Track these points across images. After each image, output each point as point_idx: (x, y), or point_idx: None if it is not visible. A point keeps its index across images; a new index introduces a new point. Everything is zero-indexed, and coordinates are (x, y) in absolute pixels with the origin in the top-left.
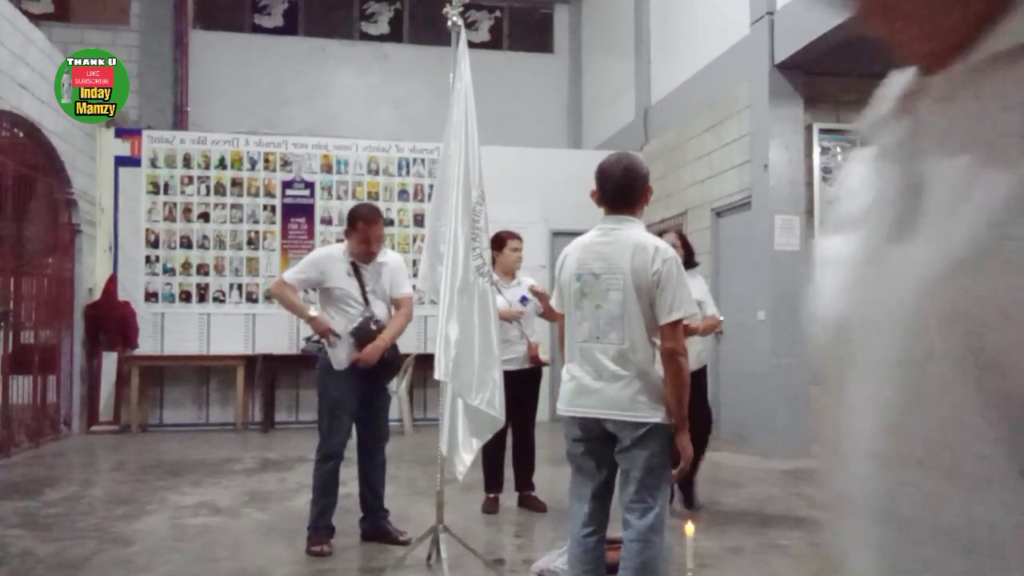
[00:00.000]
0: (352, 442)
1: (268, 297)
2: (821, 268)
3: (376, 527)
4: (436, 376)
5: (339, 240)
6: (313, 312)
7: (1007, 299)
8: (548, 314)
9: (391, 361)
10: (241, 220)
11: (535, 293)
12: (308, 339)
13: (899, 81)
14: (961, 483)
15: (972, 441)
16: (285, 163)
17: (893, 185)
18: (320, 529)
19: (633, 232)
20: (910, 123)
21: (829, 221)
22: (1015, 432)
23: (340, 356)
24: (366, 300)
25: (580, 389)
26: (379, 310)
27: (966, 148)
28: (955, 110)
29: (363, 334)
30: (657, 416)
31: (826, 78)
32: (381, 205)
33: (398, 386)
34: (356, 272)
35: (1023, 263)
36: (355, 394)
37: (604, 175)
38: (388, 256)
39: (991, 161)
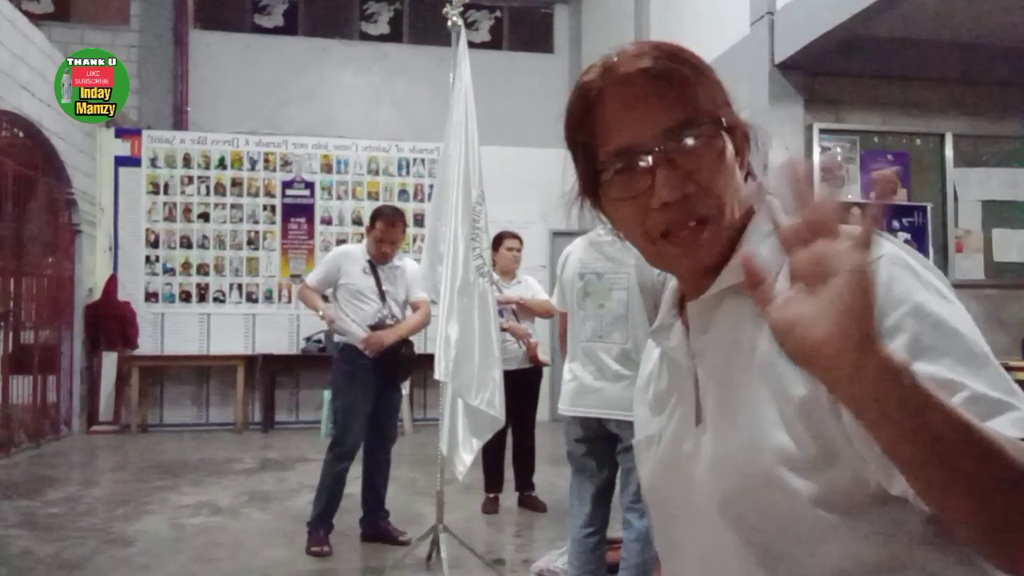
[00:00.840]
0: None
1: (276, 294)
2: (642, 440)
3: (376, 527)
4: (436, 376)
5: (340, 240)
6: (322, 307)
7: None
8: (537, 315)
9: (407, 358)
10: (241, 220)
11: (519, 306)
12: (308, 339)
13: (670, 296)
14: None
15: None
16: (285, 163)
17: (682, 379)
18: (320, 528)
19: None
20: (682, 333)
21: (642, 400)
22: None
23: (355, 331)
24: (383, 297)
25: (582, 389)
26: (395, 310)
27: (717, 353)
28: (705, 326)
29: (380, 330)
30: None
31: (826, 78)
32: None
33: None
34: (373, 271)
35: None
36: (370, 393)
37: None
38: (405, 262)
39: (734, 365)
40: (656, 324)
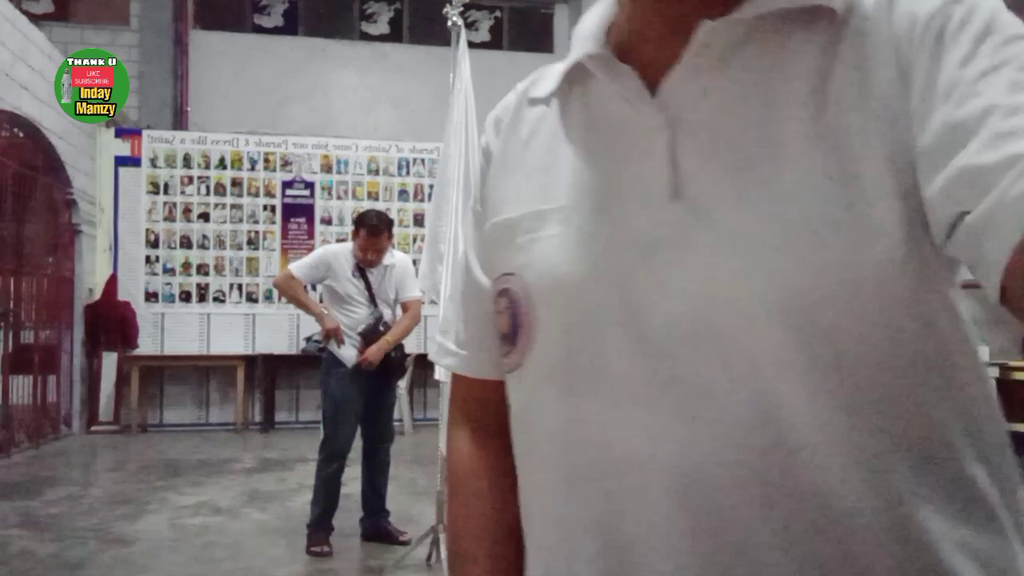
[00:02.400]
0: (355, 443)
1: (276, 294)
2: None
3: (376, 527)
4: (436, 376)
5: (340, 239)
6: (324, 310)
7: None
8: None
9: (398, 361)
10: (241, 220)
11: None
12: (308, 339)
13: (593, 26)
14: None
15: None
16: (285, 163)
17: (628, 139)
18: (320, 529)
19: None
20: (636, 80)
21: (509, 169)
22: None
23: (349, 353)
24: (373, 301)
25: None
26: (386, 312)
27: (733, 108)
28: (705, 69)
29: (373, 335)
30: None
31: None
32: (381, 205)
33: (401, 386)
34: (362, 273)
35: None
36: (360, 394)
37: None
38: (396, 258)
39: (768, 120)
40: (569, 62)
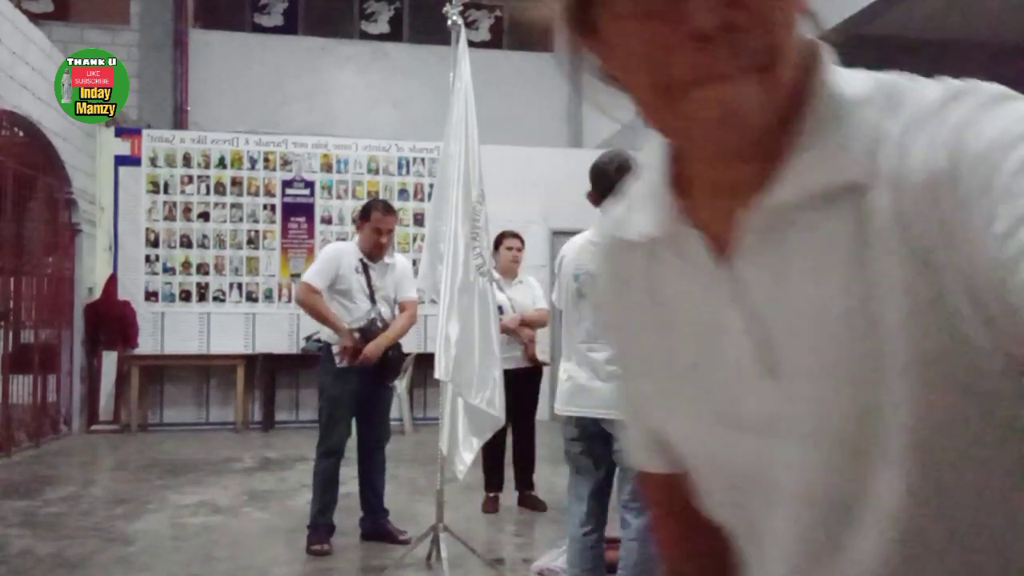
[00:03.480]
0: (352, 441)
1: (276, 294)
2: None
3: (376, 526)
4: (436, 376)
5: (340, 239)
6: (339, 324)
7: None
8: (537, 326)
9: (395, 360)
10: (241, 219)
11: (520, 327)
12: (308, 338)
13: (654, 188)
14: None
15: None
16: (285, 162)
17: (706, 311)
18: (320, 528)
19: None
20: (703, 248)
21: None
22: None
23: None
24: (373, 299)
25: (577, 389)
26: (384, 310)
27: (796, 282)
28: (767, 242)
29: (370, 333)
30: None
31: None
32: None
33: (401, 386)
34: (365, 270)
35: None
36: (355, 393)
37: (598, 173)
38: (396, 259)
39: (822, 301)
40: (631, 230)
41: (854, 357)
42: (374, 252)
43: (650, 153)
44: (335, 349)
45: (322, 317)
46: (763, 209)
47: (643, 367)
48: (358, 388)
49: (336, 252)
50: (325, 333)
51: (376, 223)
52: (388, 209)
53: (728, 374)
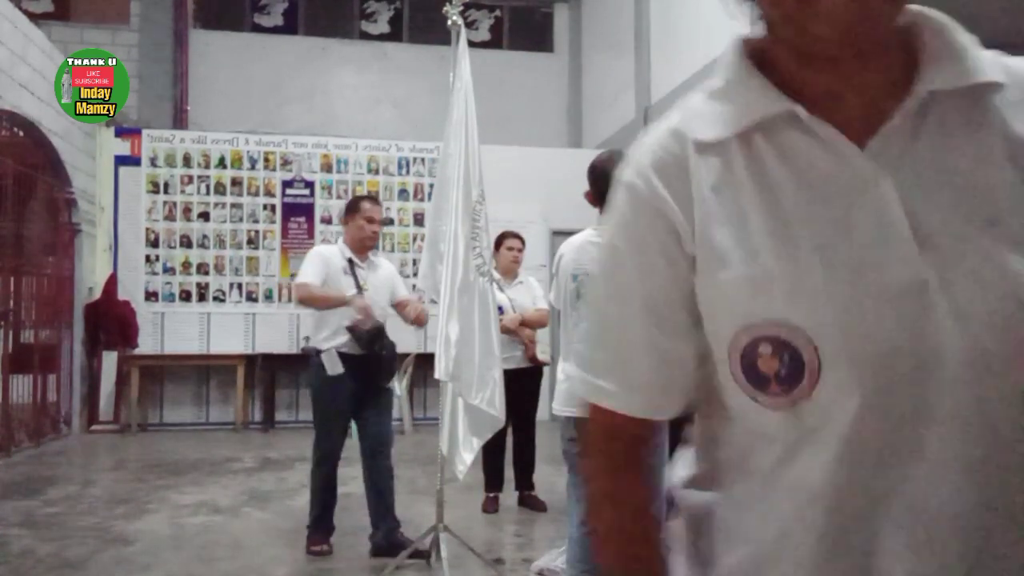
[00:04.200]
0: (354, 444)
1: (276, 293)
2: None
3: (390, 541)
4: (436, 376)
5: (324, 241)
6: (349, 292)
7: None
8: (537, 327)
9: (388, 360)
10: (241, 219)
11: (520, 327)
12: (308, 338)
13: (758, 87)
14: None
15: None
16: (285, 162)
17: (846, 190)
18: (320, 529)
19: None
20: (837, 135)
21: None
22: None
23: (332, 361)
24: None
25: (576, 390)
26: (376, 309)
27: (935, 160)
28: (908, 132)
29: (360, 331)
30: None
31: None
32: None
33: (400, 386)
34: (352, 270)
35: None
36: (350, 398)
37: (597, 173)
38: (381, 260)
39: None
40: (756, 113)
41: (1012, 231)
42: (366, 244)
43: (732, 67)
44: (324, 347)
45: (327, 300)
46: (916, 95)
47: (751, 256)
48: (353, 392)
49: (320, 251)
50: (318, 339)
51: (368, 212)
52: (376, 200)
53: (871, 247)
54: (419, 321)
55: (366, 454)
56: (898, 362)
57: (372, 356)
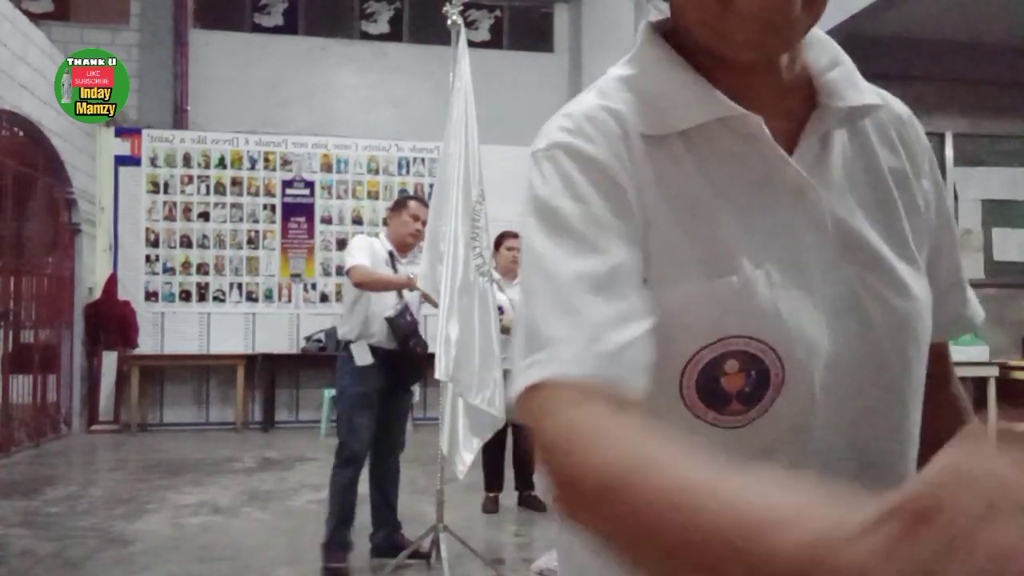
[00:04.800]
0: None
1: (276, 293)
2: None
3: (391, 542)
4: (437, 376)
5: (340, 239)
6: (404, 275)
7: None
8: None
9: (419, 358)
10: (241, 219)
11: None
12: (308, 338)
13: (688, 85)
14: None
15: None
16: (285, 162)
17: (788, 199)
18: (338, 544)
19: None
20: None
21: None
22: None
23: (363, 351)
24: (400, 291)
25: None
26: (412, 302)
27: (840, 178)
28: (817, 147)
29: (400, 323)
30: None
31: None
32: (381, 204)
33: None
34: (392, 264)
35: None
36: (378, 393)
37: None
38: (416, 257)
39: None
40: (706, 112)
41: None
42: (408, 242)
43: (645, 56)
44: (354, 338)
45: (388, 280)
46: (823, 108)
47: (715, 267)
48: (379, 389)
49: (365, 239)
50: (344, 330)
51: (415, 211)
52: (423, 201)
53: (814, 259)
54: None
55: (377, 455)
56: (842, 371)
57: (404, 352)
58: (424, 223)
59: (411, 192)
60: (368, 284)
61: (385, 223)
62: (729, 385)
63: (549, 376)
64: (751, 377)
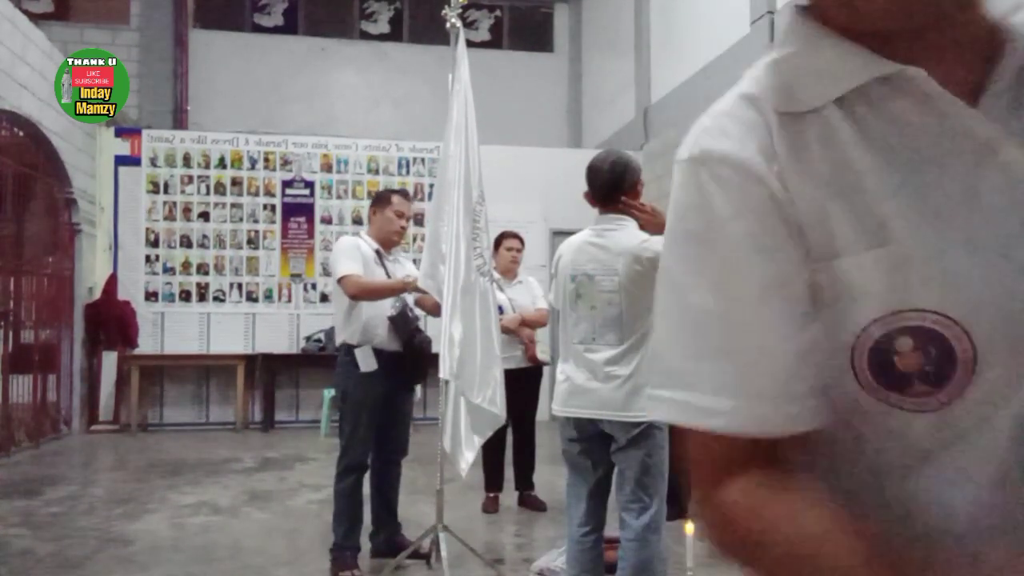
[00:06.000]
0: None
1: (276, 293)
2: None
3: (391, 543)
4: (441, 375)
5: (340, 236)
6: (401, 276)
7: None
8: (537, 326)
9: (426, 355)
10: (241, 219)
11: (520, 327)
12: (308, 338)
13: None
14: None
15: None
16: (285, 162)
17: (960, 151)
18: (347, 551)
19: (627, 232)
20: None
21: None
22: None
23: (368, 357)
24: None
25: (575, 389)
26: (409, 299)
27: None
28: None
29: (402, 321)
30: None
31: None
32: None
33: (423, 391)
34: (381, 261)
35: None
36: (381, 397)
37: (593, 173)
38: (401, 257)
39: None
40: (859, 75)
41: None
42: (393, 239)
43: (793, 34)
44: (357, 343)
45: (385, 288)
46: (1012, 52)
47: (877, 235)
48: (384, 392)
49: (351, 242)
50: (349, 334)
51: (398, 207)
52: (406, 195)
53: (1005, 220)
54: (436, 310)
55: (380, 461)
56: None
57: (409, 351)
58: (408, 218)
59: (412, 192)
60: (364, 295)
61: (365, 220)
62: (905, 365)
63: (708, 428)
64: (930, 355)
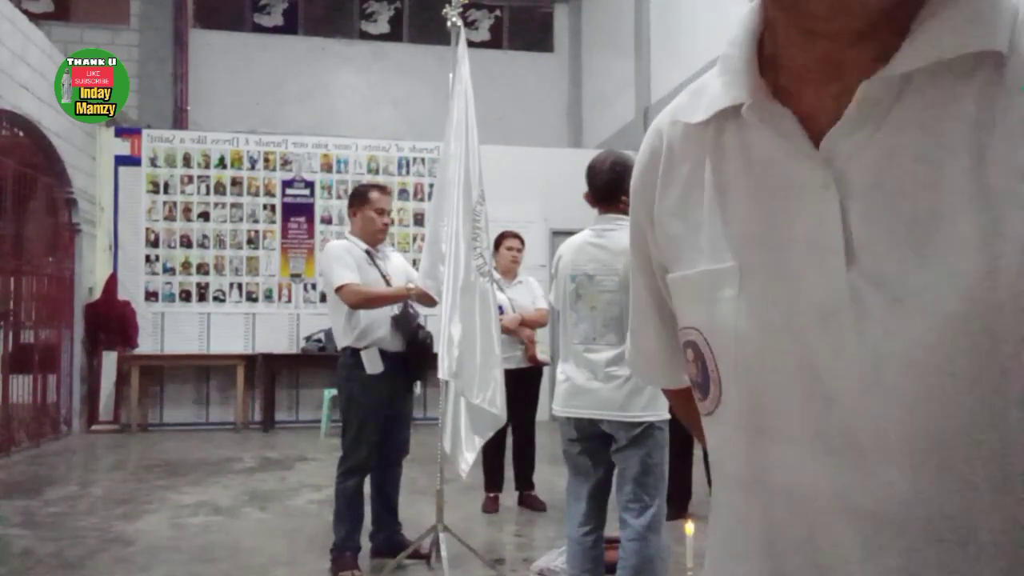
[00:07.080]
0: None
1: (276, 293)
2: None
3: (391, 542)
4: (440, 375)
5: (324, 241)
6: (392, 271)
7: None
8: (537, 326)
9: (429, 350)
10: (241, 219)
11: (520, 327)
12: (308, 338)
13: (742, 62)
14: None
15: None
16: (285, 162)
17: (795, 193)
18: (347, 551)
19: (627, 232)
20: (797, 127)
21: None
22: None
23: (374, 359)
24: (389, 285)
25: (575, 390)
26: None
27: (895, 163)
28: (873, 120)
29: (404, 319)
30: (652, 415)
31: None
32: None
33: (423, 389)
34: (372, 261)
35: None
36: (385, 400)
37: (593, 173)
38: (389, 251)
39: (923, 183)
40: (722, 101)
41: (965, 257)
42: (377, 237)
43: (735, 39)
44: (361, 345)
45: (382, 298)
46: (881, 80)
47: (692, 259)
48: (387, 394)
49: (340, 246)
50: (352, 337)
51: (377, 203)
52: (385, 189)
53: (802, 260)
54: (429, 300)
55: (381, 460)
56: (788, 391)
57: (413, 349)
58: (389, 212)
59: (411, 192)
60: (366, 305)
61: (351, 215)
62: (688, 371)
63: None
64: (699, 367)
